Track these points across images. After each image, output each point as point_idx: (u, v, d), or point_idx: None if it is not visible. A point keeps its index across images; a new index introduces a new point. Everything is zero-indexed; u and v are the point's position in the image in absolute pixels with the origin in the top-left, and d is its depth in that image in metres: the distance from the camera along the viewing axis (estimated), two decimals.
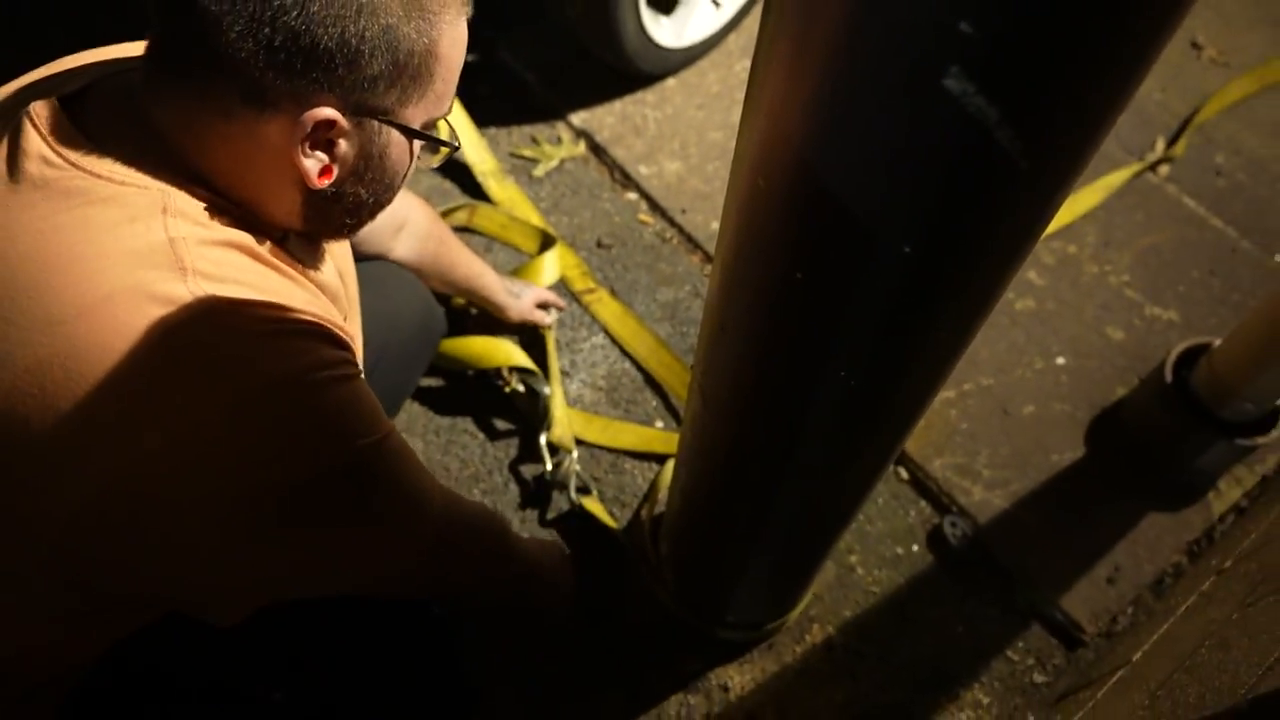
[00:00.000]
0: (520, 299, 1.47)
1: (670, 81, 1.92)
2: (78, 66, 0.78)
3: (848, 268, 0.59)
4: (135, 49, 0.81)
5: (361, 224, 0.84)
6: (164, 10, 0.68)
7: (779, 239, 0.62)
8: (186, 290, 0.66)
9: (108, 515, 0.67)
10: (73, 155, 0.67)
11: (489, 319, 1.50)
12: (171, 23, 0.68)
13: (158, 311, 0.65)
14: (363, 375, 0.79)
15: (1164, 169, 1.88)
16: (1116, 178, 1.82)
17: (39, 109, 0.69)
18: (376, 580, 0.87)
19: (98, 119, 0.70)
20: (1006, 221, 0.56)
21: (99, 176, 0.67)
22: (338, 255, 0.93)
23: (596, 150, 1.82)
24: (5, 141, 0.69)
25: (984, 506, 1.46)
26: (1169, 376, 1.40)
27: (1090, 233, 1.77)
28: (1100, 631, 1.37)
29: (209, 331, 0.67)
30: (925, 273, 0.58)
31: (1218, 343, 1.37)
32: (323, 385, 0.71)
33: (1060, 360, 1.61)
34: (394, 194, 0.83)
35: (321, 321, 0.74)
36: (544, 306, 1.53)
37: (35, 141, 0.68)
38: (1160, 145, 1.91)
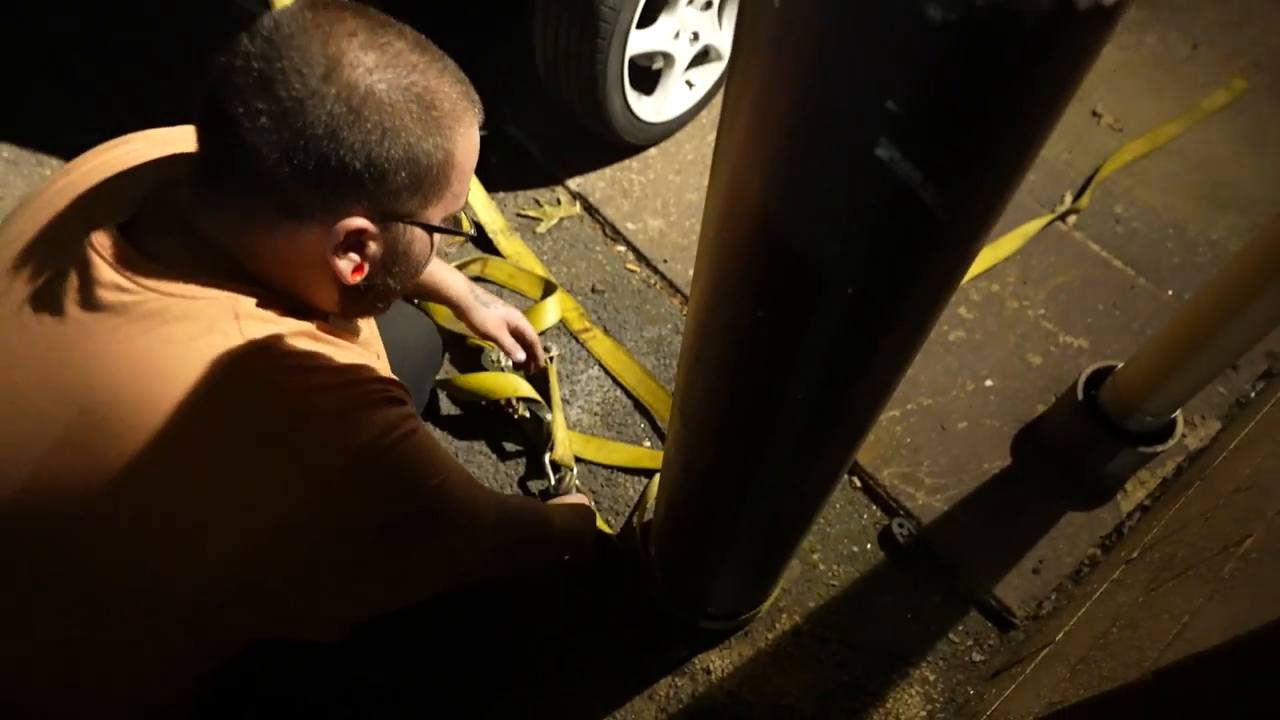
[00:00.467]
0: (488, 309, 1.34)
1: (652, 151, 1.93)
2: (117, 178, 0.76)
3: (801, 307, 0.60)
4: (160, 144, 0.80)
5: (390, 304, 0.84)
6: (209, 138, 0.67)
7: (743, 283, 0.63)
8: (264, 382, 0.67)
9: (234, 582, 0.67)
10: (144, 280, 0.66)
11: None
12: (216, 148, 0.67)
13: (245, 409, 0.66)
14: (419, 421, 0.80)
15: (1072, 219, 1.90)
16: (1031, 226, 1.84)
17: (101, 240, 0.67)
18: (452, 582, 0.87)
19: (155, 241, 0.69)
20: (933, 265, 0.57)
21: (171, 295, 0.66)
22: None
23: (590, 210, 1.83)
24: (74, 273, 0.67)
25: (926, 509, 1.46)
26: (1080, 395, 1.41)
27: (1010, 273, 1.79)
28: (1028, 615, 1.36)
29: (293, 420, 0.67)
30: (867, 310, 0.59)
31: (1120, 365, 1.38)
32: (394, 447, 0.71)
33: (988, 382, 1.62)
34: (418, 277, 0.82)
35: (380, 383, 0.74)
36: (516, 335, 1.38)
37: (107, 271, 0.65)
38: (1068, 198, 1.93)
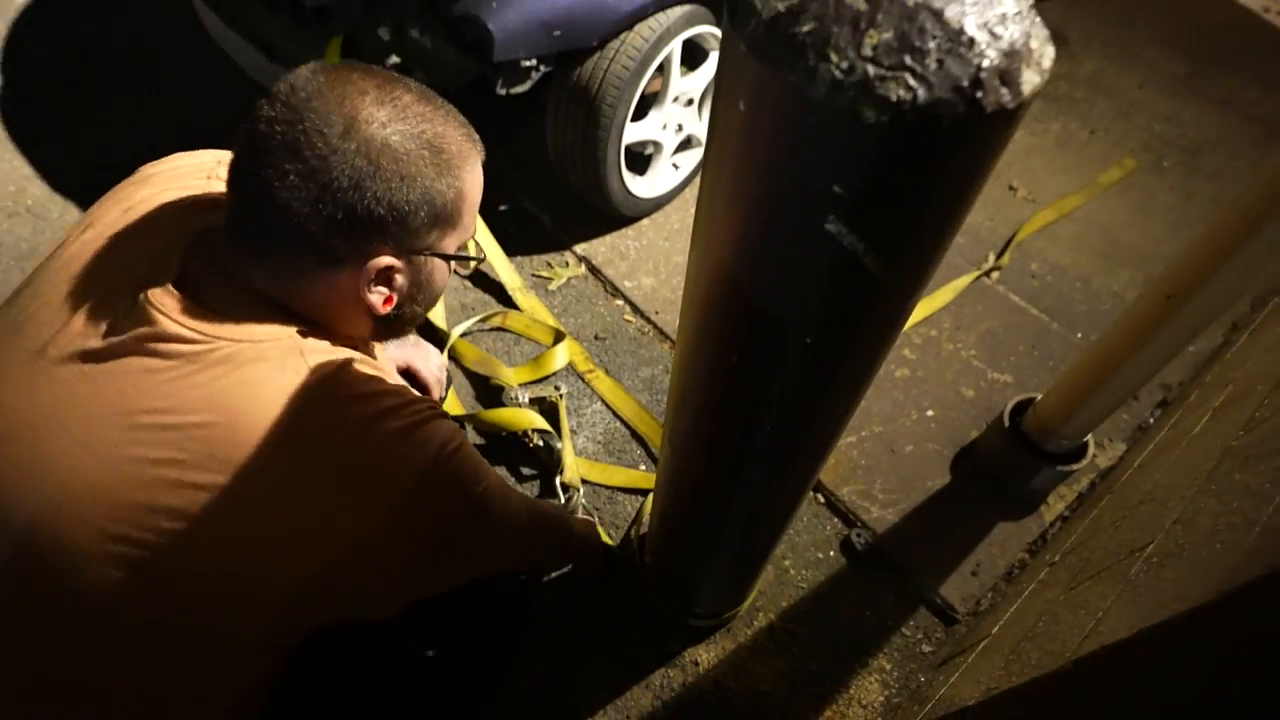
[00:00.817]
0: (390, 348, 1.22)
1: (645, 221, 1.95)
2: (148, 231, 0.71)
3: (768, 354, 0.61)
4: (175, 182, 0.75)
5: (415, 327, 0.84)
6: (244, 199, 0.65)
7: (718, 334, 0.64)
8: (338, 410, 0.65)
9: (315, 594, 0.65)
10: (210, 330, 0.63)
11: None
12: (252, 209, 0.64)
13: (324, 438, 0.64)
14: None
15: (995, 275, 1.92)
16: (962, 281, 1.86)
17: (160, 298, 0.63)
18: (493, 570, 0.86)
19: (210, 292, 0.66)
20: (876, 318, 0.58)
21: (239, 341, 0.64)
22: None
23: (593, 270, 1.84)
24: (138, 328, 0.62)
25: (880, 521, 1.45)
26: (1007, 422, 1.41)
27: (946, 321, 1.80)
28: (969, 611, 1.35)
29: (365, 445, 0.65)
30: (822, 356, 0.60)
31: (1040, 397, 1.38)
32: (450, 459, 0.69)
33: (930, 412, 1.62)
34: (438, 300, 0.81)
35: (424, 401, 0.71)
36: (409, 375, 1.25)
37: (174, 327, 0.62)
38: (991, 258, 1.96)
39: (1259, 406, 0.89)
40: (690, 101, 1.77)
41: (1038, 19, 0.45)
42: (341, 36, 1.52)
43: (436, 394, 1.29)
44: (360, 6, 1.49)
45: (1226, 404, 1.13)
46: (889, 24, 0.41)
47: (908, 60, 0.40)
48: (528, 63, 1.44)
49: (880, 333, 0.61)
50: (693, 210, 2.02)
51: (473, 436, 1.50)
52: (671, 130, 1.79)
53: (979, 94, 0.40)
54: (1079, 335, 1.80)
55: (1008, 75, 0.41)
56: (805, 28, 0.42)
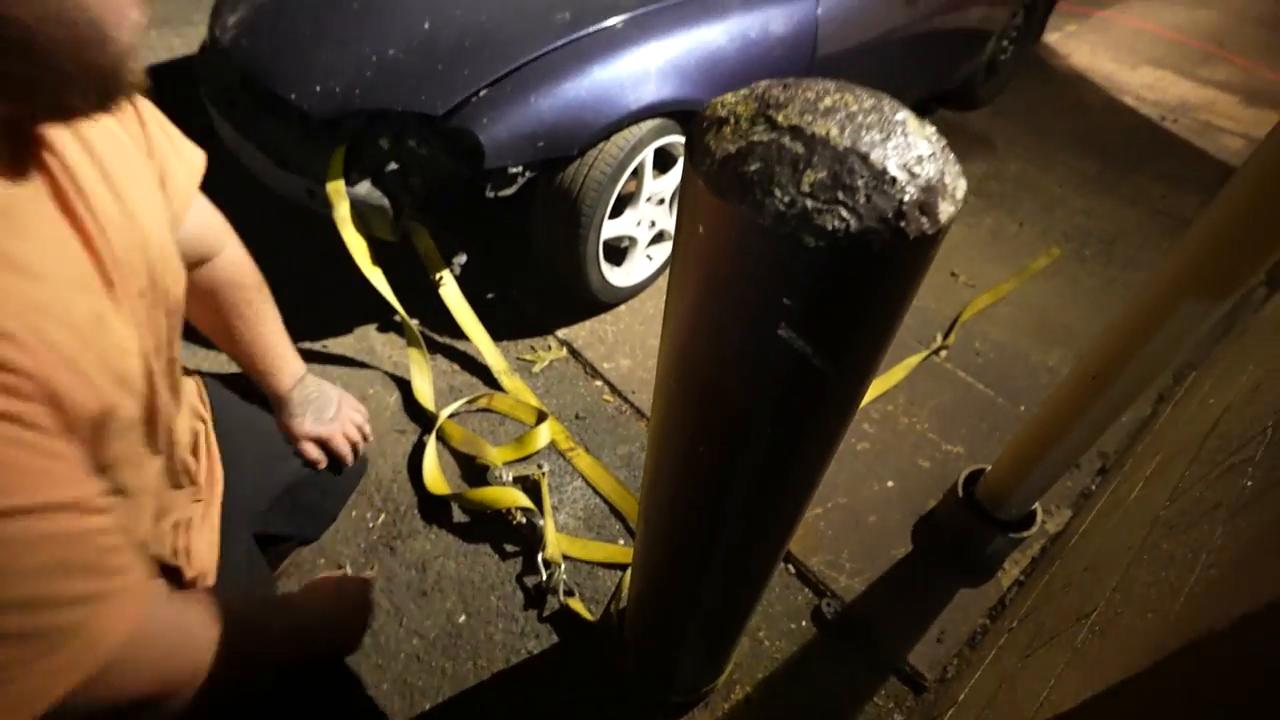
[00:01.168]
0: (303, 419, 1.04)
1: (622, 307, 2.00)
2: None
3: (731, 443, 0.63)
4: None
5: (59, 86, 0.39)
6: None
7: (686, 423, 0.66)
8: None
9: None
10: None
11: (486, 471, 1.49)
12: None
13: None
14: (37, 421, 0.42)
15: (943, 353, 1.99)
16: (913, 360, 1.92)
17: None
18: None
19: None
20: (829, 409, 0.61)
21: None
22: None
23: (574, 353, 1.87)
24: None
25: (849, 590, 1.44)
26: (960, 492, 1.43)
27: (900, 397, 1.84)
28: (936, 678, 1.33)
29: None
30: (781, 444, 0.62)
31: (989, 468, 1.41)
32: None
33: (890, 483, 1.64)
34: (93, 33, 0.39)
35: None
36: (323, 443, 1.07)
37: None
38: (939, 337, 2.03)
39: (1180, 478, 0.92)
40: (662, 200, 1.86)
41: (951, 157, 0.50)
42: (346, 146, 1.58)
43: (348, 461, 1.11)
44: (365, 119, 1.56)
45: (1155, 473, 1.16)
46: (823, 165, 0.45)
47: (840, 196, 0.44)
48: (514, 169, 1.51)
49: (834, 421, 0.63)
50: (664, 297, 2.08)
51: (458, 515, 1.48)
52: (645, 226, 1.86)
53: (902, 223, 0.45)
54: (1021, 408, 1.85)
55: (926, 207, 0.45)
56: (753, 167, 0.46)
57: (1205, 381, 1.58)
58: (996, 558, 1.46)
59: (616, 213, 1.76)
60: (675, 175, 1.83)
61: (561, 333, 1.90)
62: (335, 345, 1.81)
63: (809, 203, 0.44)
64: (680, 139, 1.75)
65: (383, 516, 1.47)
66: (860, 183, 0.45)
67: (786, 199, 0.45)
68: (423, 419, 1.65)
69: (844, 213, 0.44)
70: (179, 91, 2.59)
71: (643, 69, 1.58)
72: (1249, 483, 0.64)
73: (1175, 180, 2.92)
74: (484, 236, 1.84)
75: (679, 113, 1.67)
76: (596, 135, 1.54)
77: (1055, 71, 3.83)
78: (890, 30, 2.18)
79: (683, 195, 0.53)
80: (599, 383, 1.80)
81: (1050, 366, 1.98)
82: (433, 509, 1.48)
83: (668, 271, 2.04)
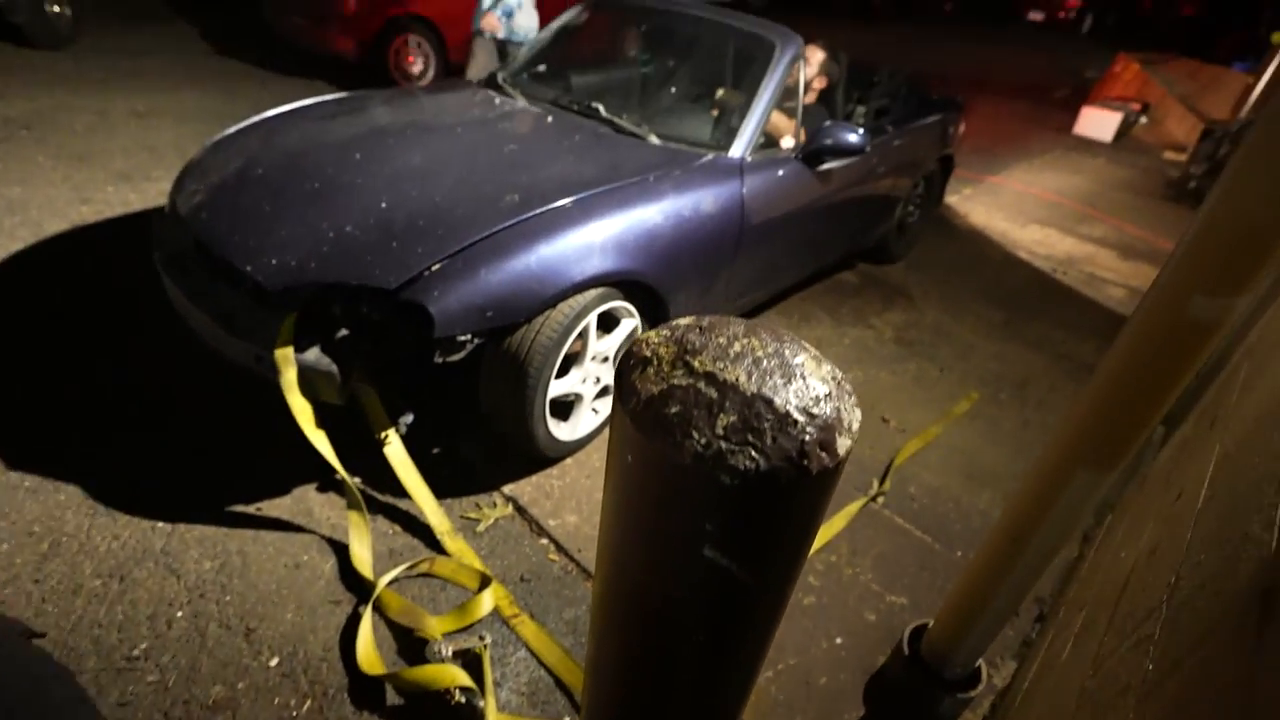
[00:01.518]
0: None
1: (568, 460, 2.01)
2: None
3: (667, 648, 0.64)
4: None
5: None
6: None
7: (623, 633, 0.67)
8: None
9: None
10: None
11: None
12: None
13: None
14: None
15: (880, 499, 2.05)
16: (853, 507, 1.97)
17: None
18: None
19: None
20: (754, 613, 0.64)
21: None
22: None
23: (520, 510, 1.85)
24: None
25: None
26: (906, 649, 1.42)
27: (843, 546, 1.87)
28: None
29: None
30: (712, 647, 0.64)
31: (931, 623, 1.42)
32: None
33: (838, 640, 1.63)
34: None
35: None
36: None
37: None
38: (875, 484, 2.10)
39: (1100, 644, 0.97)
40: (606, 359, 1.94)
41: (847, 390, 0.57)
42: (297, 313, 1.62)
43: None
44: (320, 288, 1.62)
45: (1082, 631, 1.20)
46: (734, 409, 0.51)
47: (750, 438, 0.50)
48: (463, 337, 1.58)
49: (761, 624, 0.66)
50: (600, 508, 2.11)
51: (393, 697, 1.39)
52: (591, 382, 1.93)
53: (805, 461, 0.50)
54: (959, 554, 1.90)
55: (826, 444, 0.52)
56: (673, 410, 0.52)
57: (1119, 528, 1.68)
58: (949, 717, 1.43)
59: (563, 371, 1.83)
60: (619, 335, 1.93)
61: (507, 488, 1.89)
62: (271, 508, 1.75)
63: (722, 444, 0.50)
64: (624, 304, 1.87)
65: (309, 703, 1.36)
66: (766, 425, 0.51)
67: (703, 441, 0.50)
68: (359, 587, 1.58)
69: (754, 453, 0.50)
70: (130, 248, 2.64)
71: (587, 245, 1.71)
72: (1150, 665, 0.69)
73: (1072, 327, 3.23)
74: (430, 396, 1.86)
75: (621, 281, 1.80)
76: (544, 304, 1.64)
77: (958, 229, 4.29)
78: (811, 202, 2.45)
79: (613, 425, 0.58)
80: (544, 540, 1.78)
81: (981, 510, 2.07)
82: (365, 691, 1.38)
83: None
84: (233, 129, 2.23)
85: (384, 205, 1.74)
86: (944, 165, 3.56)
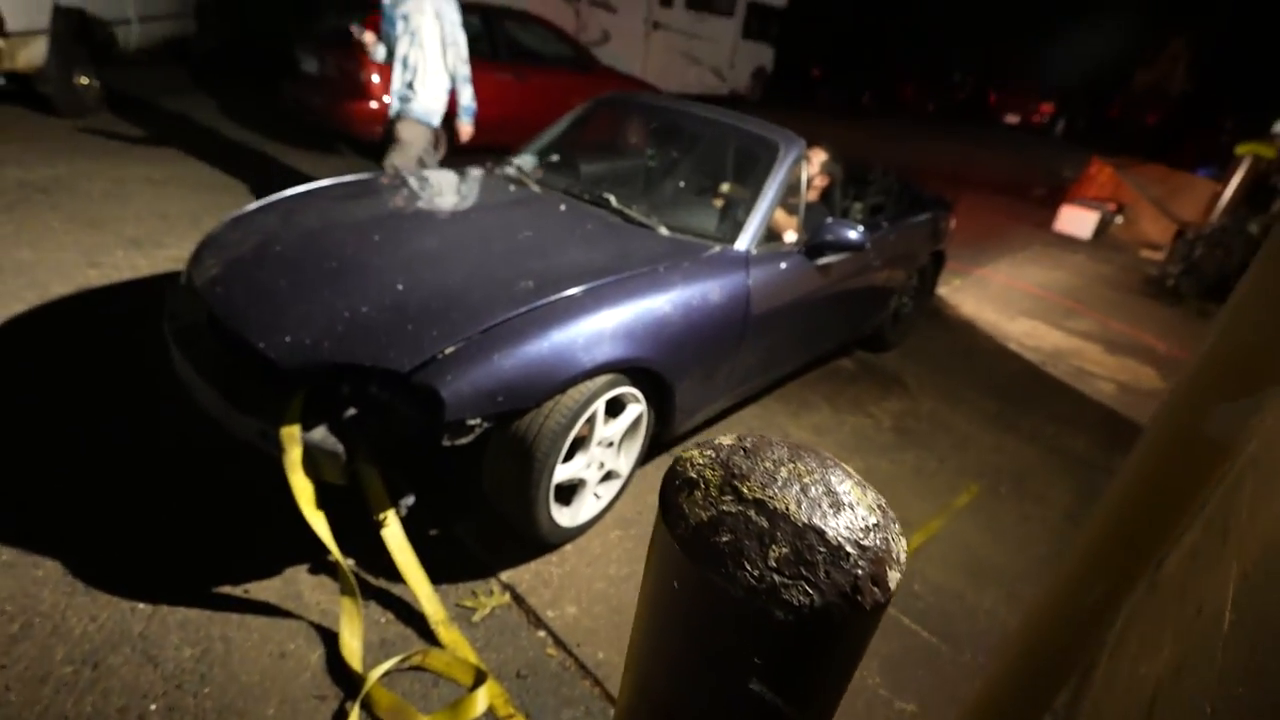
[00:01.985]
0: None
1: (569, 546, 1.97)
2: None
3: None
4: None
5: None
6: None
7: None
8: None
9: None
10: None
11: None
12: None
13: None
14: None
15: None
16: None
17: None
18: None
19: None
20: None
21: None
22: None
23: (518, 599, 1.79)
24: None
25: None
26: None
27: None
28: None
29: None
30: None
31: None
32: None
33: None
34: None
35: None
36: None
37: None
38: None
39: None
40: (611, 444, 1.93)
41: (892, 520, 0.57)
42: (306, 392, 1.62)
43: None
44: (330, 368, 1.62)
45: None
46: (786, 541, 0.51)
47: (803, 571, 0.50)
48: (473, 421, 1.57)
49: None
50: (612, 534, 2.08)
51: None
52: (595, 467, 1.91)
53: (858, 596, 0.50)
54: (967, 656, 1.84)
55: (877, 578, 0.51)
56: (724, 538, 0.51)
57: (1131, 636, 1.64)
58: None
59: (568, 456, 1.82)
60: (625, 420, 1.93)
61: (505, 575, 1.84)
62: (259, 590, 1.68)
63: (776, 578, 0.49)
64: (631, 390, 1.87)
65: None
66: (819, 558, 0.50)
67: (756, 573, 0.50)
68: (347, 681, 1.50)
69: (808, 588, 0.49)
70: (132, 315, 2.64)
71: (598, 332, 1.74)
72: None
73: (1064, 421, 3.27)
74: (433, 478, 1.83)
75: (630, 368, 1.82)
76: (555, 390, 1.64)
77: (949, 320, 4.40)
78: (811, 294, 2.51)
79: (657, 546, 0.57)
80: (542, 633, 1.71)
81: (987, 609, 2.02)
82: None
83: (625, 502, 2.07)
84: (252, 206, 2.29)
85: (400, 287, 1.77)
86: (936, 259, 3.69)
